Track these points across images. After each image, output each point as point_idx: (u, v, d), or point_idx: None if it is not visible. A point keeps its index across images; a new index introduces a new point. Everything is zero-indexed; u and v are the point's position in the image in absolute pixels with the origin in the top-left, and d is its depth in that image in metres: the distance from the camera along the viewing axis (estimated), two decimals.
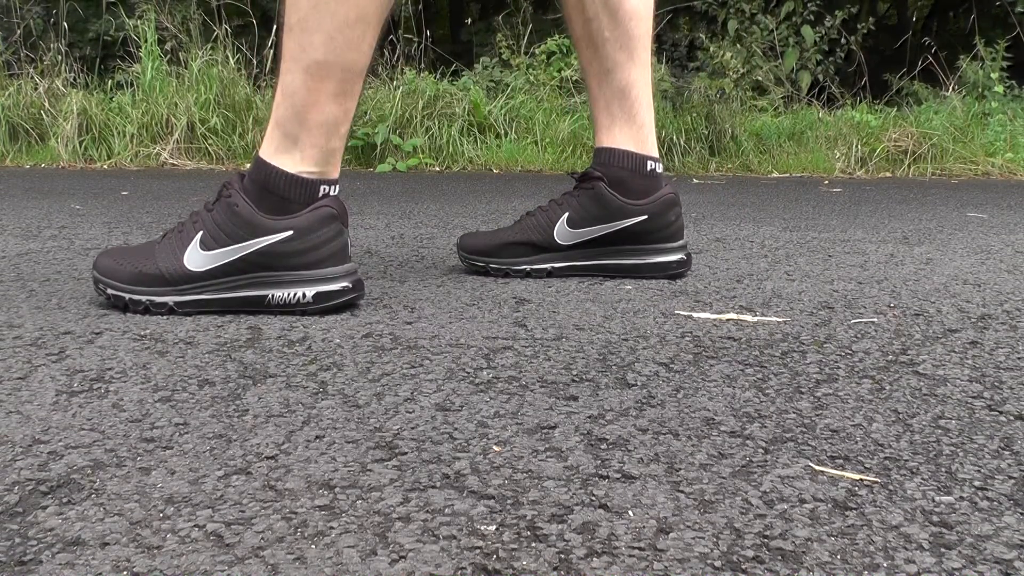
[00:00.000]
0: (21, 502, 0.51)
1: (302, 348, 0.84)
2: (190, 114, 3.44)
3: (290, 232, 0.95)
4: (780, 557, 0.46)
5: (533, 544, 0.47)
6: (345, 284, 0.97)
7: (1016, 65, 4.12)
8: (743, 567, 0.45)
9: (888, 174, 3.52)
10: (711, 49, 4.06)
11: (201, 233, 0.96)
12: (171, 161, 3.40)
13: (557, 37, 4.09)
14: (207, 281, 0.96)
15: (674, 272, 1.21)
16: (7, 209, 1.99)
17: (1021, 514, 0.51)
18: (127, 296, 0.96)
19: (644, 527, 0.49)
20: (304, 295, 0.96)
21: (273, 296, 0.96)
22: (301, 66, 0.94)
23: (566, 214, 1.19)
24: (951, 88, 3.96)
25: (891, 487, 0.54)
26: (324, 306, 0.96)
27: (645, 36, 1.18)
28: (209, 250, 0.95)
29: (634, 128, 1.19)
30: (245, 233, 0.95)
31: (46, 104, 3.58)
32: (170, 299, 0.96)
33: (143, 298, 0.96)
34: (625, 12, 1.15)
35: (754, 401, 0.70)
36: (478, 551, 0.46)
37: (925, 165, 3.53)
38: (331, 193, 0.98)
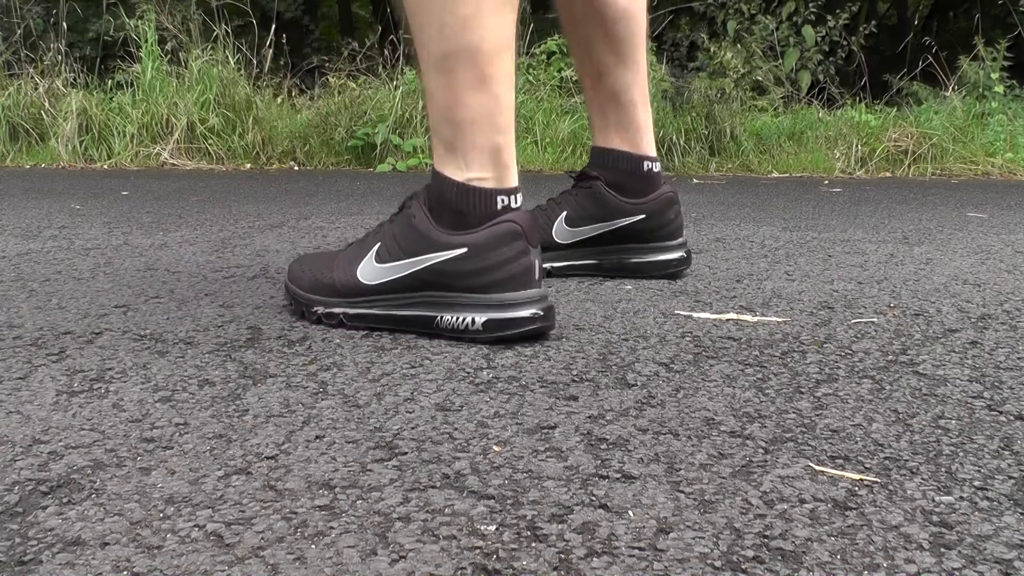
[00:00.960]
0: (21, 502, 0.51)
1: (302, 348, 0.84)
2: (190, 114, 3.44)
3: (465, 249, 0.86)
4: (780, 557, 0.46)
5: (533, 544, 0.47)
6: (526, 313, 0.86)
7: (1017, 65, 4.12)
8: (743, 567, 0.45)
9: (888, 174, 3.52)
10: (712, 49, 4.06)
11: (379, 245, 0.91)
12: (171, 161, 3.40)
13: (557, 37, 4.09)
14: (378, 296, 0.90)
15: (674, 270, 1.20)
16: (7, 209, 1.99)
17: (1021, 514, 0.51)
18: (305, 305, 0.94)
19: (644, 527, 0.49)
20: (473, 321, 0.86)
21: (442, 319, 0.87)
22: (429, 66, 0.87)
23: (564, 213, 1.19)
24: (951, 88, 3.96)
25: (891, 487, 0.54)
26: (498, 335, 0.86)
27: (635, 37, 1.16)
28: (383, 263, 0.90)
29: (630, 131, 1.18)
30: (420, 248, 0.88)
31: (46, 104, 3.59)
32: (341, 311, 0.91)
33: (317, 308, 0.92)
34: (614, 13, 1.14)
35: (754, 401, 0.70)
36: (478, 551, 0.46)
37: (925, 165, 3.53)
38: (512, 206, 0.88)
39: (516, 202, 0.88)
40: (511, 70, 0.88)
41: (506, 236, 0.86)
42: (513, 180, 0.89)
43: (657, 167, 1.20)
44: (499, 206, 0.87)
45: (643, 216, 1.18)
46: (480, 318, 0.86)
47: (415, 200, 0.91)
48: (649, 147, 1.20)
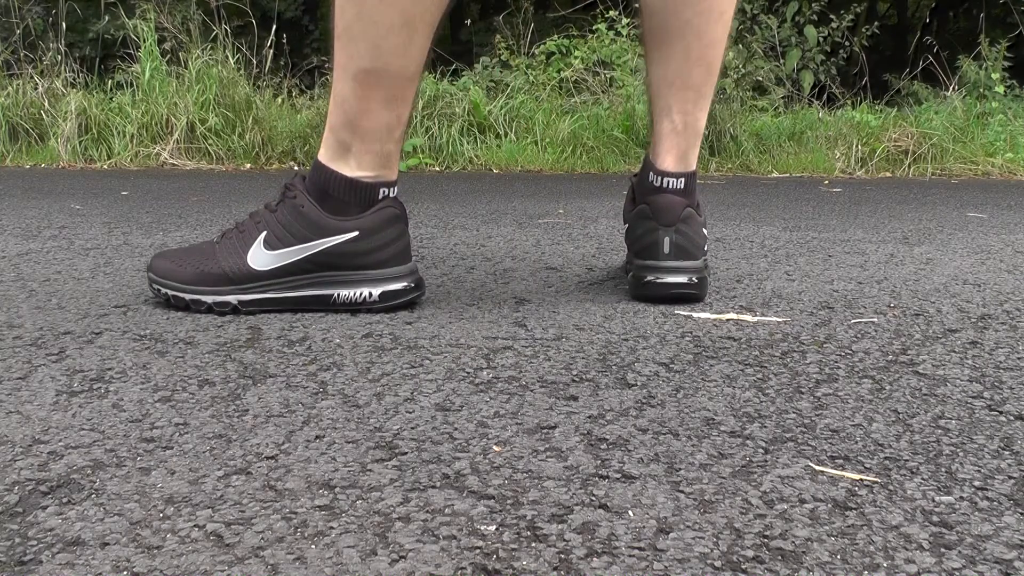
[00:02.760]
0: (21, 502, 0.51)
1: (302, 348, 0.84)
2: (190, 114, 3.44)
3: (356, 232, 0.96)
4: (780, 557, 0.46)
5: (533, 544, 0.47)
6: (408, 283, 0.99)
7: (1017, 65, 4.12)
8: (743, 567, 0.45)
9: (888, 174, 3.52)
10: None
11: (265, 233, 0.97)
12: (171, 161, 3.40)
13: (557, 37, 4.09)
14: (272, 280, 0.97)
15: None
16: (7, 209, 1.99)
17: (1021, 514, 0.51)
18: (188, 296, 0.97)
19: (644, 527, 0.49)
20: (370, 294, 0.97)
21: (339, 295, 0.97)
22: (349, 75, 0.93)
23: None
24: (951, 88, 3.96)
25: (891, 487, 0.54)
26: (389, 304, 0.98)
27: (665, 31, 1.04)
28: (274, 249, 0.97)
29: (652, 136, 1.10)
30: (311, 233, 0.96)
31: (46, 104, 3.59)
32: (234, 298, 0.96)
33: (206, 298, 0.96)
34: (648, 6, 1.05)
35: (754, 401, 0.70)
36: (478, 551, 0.46)
37: (925, 165, 3.54)
38: (390, 195, 0.99)
39: (393, 192, 0.99)
40: (415, 92, 0.98)
41: (390, 220, 0.98)
42: (394, 174, 0.99)
43: (670, 181, 1.06)
44: (380, 196, 0.98)
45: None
46: (376, 291, 0.98)
47: (296, 190, 0.98)
48: (660, 159, 1.07)
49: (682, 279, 1.03)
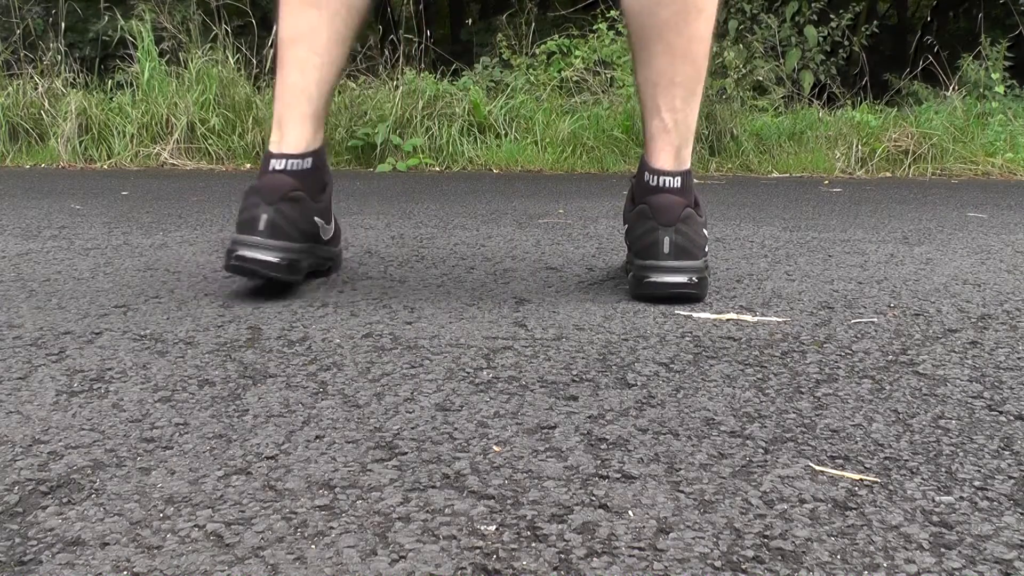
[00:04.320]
0: (21, 502, 0.51)
1: (302, 348, 0.84)
2: (190, 114, 3.44)
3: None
4: (780, 557, 0.46)
5: (533, 544, 0.47)
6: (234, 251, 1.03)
7: (1017, 65, 4.12)
8: (743, 567, 0.45)
9: (888, 174, 3.52)
10: (713, 49, 4.06)
11: None
12: (171, 161, 3.40)
13: (557, 37, 4.09)
14: None
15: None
16: (7, 209, 1.99)
17: (1021, 514, 0.51)
18: None
19: (644, 527, 0.49)
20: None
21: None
22: None
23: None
24: (951, 88, 3.96)
25: (891, 487, 0.54)
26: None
27: (646, 30, 1.06)
28: None
29: (646, 136, 1.11)
30: None
31: (46, 104, 3.58)
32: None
33: None
34: (626, 7, 1.06)
35: (754, 401, 0.70)
36: (478, 551, 0.46)
37: (925, 165, 3.53)
38: (277, 168, 1.06)
39: (285, 165, 1.05)
40: (303, 56, 1.06)
41: (249, 191, 1.04)
42: (287, 146, 1.06)
43: (666, 180, 1.06)
44: (269, 168, 1.05)
45: None
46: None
47: None
48: (654, 158, 1.08)
49: (682, 279, 1.03)
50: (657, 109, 1.07)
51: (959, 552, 0.47)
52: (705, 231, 1.10)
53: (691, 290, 1.04)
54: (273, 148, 1.06)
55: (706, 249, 1.09)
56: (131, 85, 3.62)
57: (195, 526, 0.48)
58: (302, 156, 1.06)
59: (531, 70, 3.98)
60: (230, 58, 3.59)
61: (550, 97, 3.81)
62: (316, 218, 1.08)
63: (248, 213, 1.02)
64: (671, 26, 1.04)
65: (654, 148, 1.08)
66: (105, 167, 3.38)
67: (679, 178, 1.07)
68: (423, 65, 3.97)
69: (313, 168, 1.07)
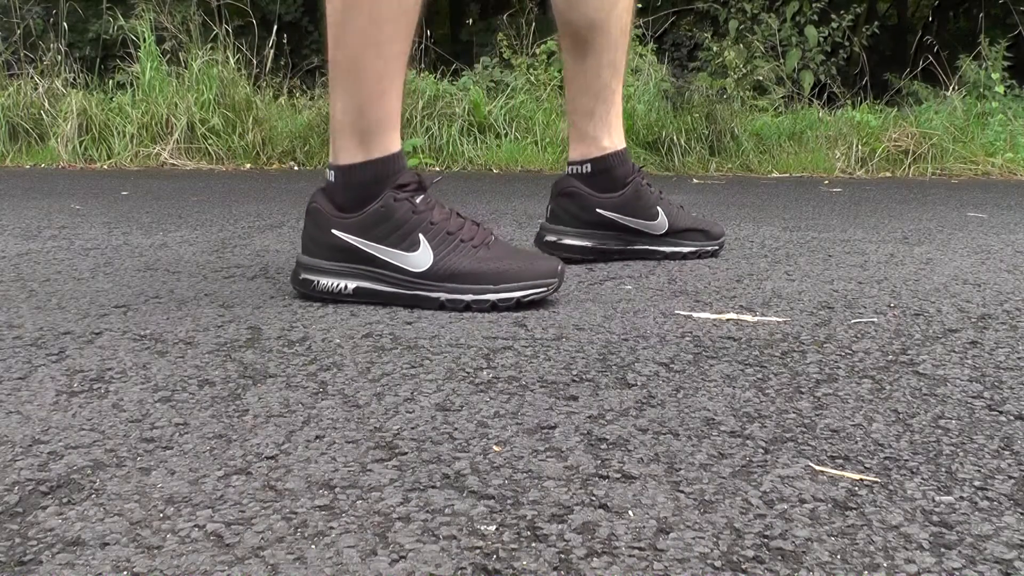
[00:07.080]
0: (21, 502, 0.51)
1: (302, 348, 0.84)
2: (190, 114, 3.44)
3: None
4: (780, 557, 0.46)
5: (533, 544, 0.47)
6: None
7: (1017, 65, 4.12)
8: (743, 567, 0.45)
9: (888, 174, 3.52)
10: (714, 48, 4.06)
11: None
12: (171, 161, 3.40)
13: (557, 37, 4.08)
14: None
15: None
16: (7, 209, 1.99)
17: (1021, 514, 0.51)
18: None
19: (644, 527, 0.49)
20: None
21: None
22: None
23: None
24: (951, 88, 3.96)
25: (891, 487, 0.54)
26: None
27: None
28: None
29: None
30: None
31: (46, 104, 3.59)
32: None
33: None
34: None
35: (754, 401, 0.70)
36: (478, 551, 0.46)
37: (925, 165, 3.53)
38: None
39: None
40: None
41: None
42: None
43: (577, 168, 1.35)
44: None
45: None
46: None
47: None
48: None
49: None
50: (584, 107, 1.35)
51: (959, 552, 0.47)
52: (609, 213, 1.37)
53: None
54: None
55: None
56: (131, 85, 3.62)
57: (195, 526, 0.48)
58: None
59: (531, 70, 3.98)
60: (230, 58, 3.59)
61: (550, 97, 3.81)
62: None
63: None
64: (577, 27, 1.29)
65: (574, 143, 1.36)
66: (105, 167, 3.38)
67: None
68: (423, 65, 3.97)
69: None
